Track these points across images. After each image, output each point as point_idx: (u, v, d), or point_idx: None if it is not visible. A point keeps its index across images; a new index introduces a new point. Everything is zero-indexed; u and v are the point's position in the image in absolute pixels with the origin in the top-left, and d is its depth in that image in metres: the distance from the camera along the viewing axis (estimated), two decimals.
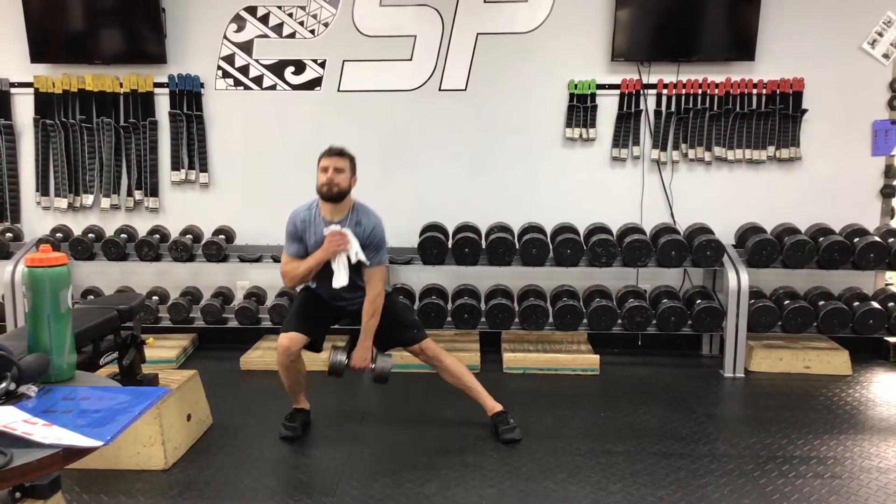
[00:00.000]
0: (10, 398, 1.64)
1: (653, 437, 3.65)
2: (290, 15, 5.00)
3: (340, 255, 3.45)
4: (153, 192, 5.16)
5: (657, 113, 5.00)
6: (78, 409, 1.62)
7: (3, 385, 1.64)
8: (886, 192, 5.00)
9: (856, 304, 4.71)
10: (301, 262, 3.53)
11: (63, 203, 5.14)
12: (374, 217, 3.58)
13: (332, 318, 3.78)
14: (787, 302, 4.73)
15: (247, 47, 5.05)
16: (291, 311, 3.77)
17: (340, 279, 3.48)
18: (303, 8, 4.99)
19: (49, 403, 1.65)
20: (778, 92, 4.93)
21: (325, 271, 3.52)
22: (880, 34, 4.87)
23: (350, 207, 3.55)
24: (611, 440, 3.61)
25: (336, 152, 3.50)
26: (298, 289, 3.83)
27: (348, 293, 3.60)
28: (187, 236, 4.97)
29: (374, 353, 3.61)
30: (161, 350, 4.74)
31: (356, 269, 3.52)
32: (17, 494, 2.33)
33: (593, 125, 5.02)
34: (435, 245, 4.68)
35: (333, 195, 3.45)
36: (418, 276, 5.08)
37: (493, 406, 3.71)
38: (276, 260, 4.90)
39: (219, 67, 5.07)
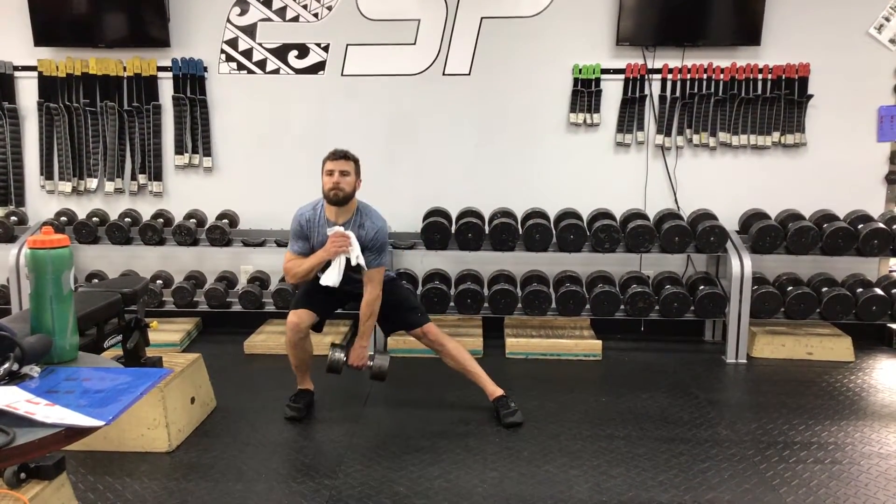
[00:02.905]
0: (13, 379, 1.65)
1: (654, 422, 3.66)
2: None
3: (341, 256, 3.50)
4: (157, 176, 5.16)
5: (662, 98, 4.98)
6: (80, 390, 1.63)
7: (6, 366, 1.64)
8: (891, 179, 4.97)
9: (859, 290, 4.70)
10: (304, 259, 3.58)
11: (67, 187, 5.15)
12: (378, 220, 3.61)
13: (338, 301, 3.82)
14: (790, 288, 4.72)
15: (250, 31, 5.04)
16: (300, 291, 3.82)
17: (331, 278, 3.52)
18: None
19: (51, 384, 1.66)
20: (783, 77, 4.90)
21: (328, 268, 3.57)
22: (887, 19, 4.83)
23: (354, 210, 3.59)
24: (612, 425, 3.62)
25: (341, 155, 3.54)
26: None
27: (356, 279, 3.61)
28: (191, 220, 4.98)
29: (371, 352, 3.71)
30: (165, 334, 4.76)
31: (357, 270, 3.57)
32: (23, 475, 2.36)
33: (597, 110, 5.00)
34: (438, 230, 4.68)
35: (339, 199, 3.50)
36: (421, 262, 5.09)
37: (495, 391, 3.73)
38: (280, 244, 4.91)
39: (222, 51, 5.06)
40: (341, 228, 3.50)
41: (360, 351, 3.63)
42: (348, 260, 3.50)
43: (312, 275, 3.60)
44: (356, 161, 3.58)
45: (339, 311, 3.93)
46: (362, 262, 3.50)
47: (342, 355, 3.64)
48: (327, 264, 3.54)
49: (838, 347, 4.66)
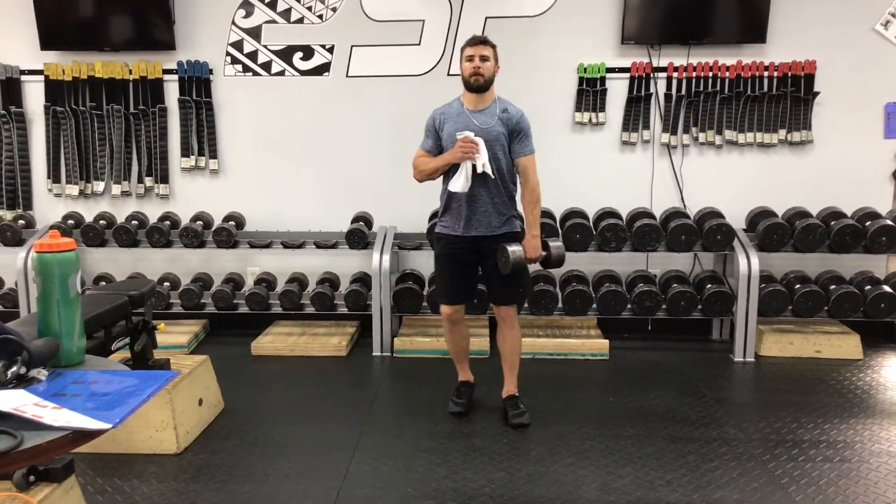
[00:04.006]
0: (21, 382, 1.65)
1: (662, 421, 3.65)
2: (298, 0, 4.99)
3: (467, 162, 3.43)
4: (163, 178, 5.18)
5: (667, 96, 4.97)
6: (87, 393, 1.63)
7: (14, 369, 1.64)
8: None
9: (867, 287, 4.68)
10: (431, 158, 3.57)
11: (74, 190, 5.17)
12: (518, 107, 3.57)
13: (475, 263, 3.68)
14: (797, 286, 4.71)
15: (255, 33, 5.05)
16: (438, 274, 3.81)
17: (459, 184, 3.45)
18: None
19: (59, 387, 1.66)
20: (790, 74, 4.88)
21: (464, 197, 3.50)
22: (894, 15, 4.81)
23: (493, 97, 3.55)
24: (620, 424, 3.61)
25: (480, 41, 3.51)
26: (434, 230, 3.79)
27: (483, 212, 3.51)
28: (198, 223, 4.99)
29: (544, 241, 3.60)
30: (173, 336, 4.77)
31: (494, 187, 3.48)
32: (31, 478, 2.36)
33: (603, 109, 4.99)
34: None
35: (481, 84, 3.47)
36: (428, 262, 5.06)
37: (511, 389, 3.75)
38: (287, 246, 4.92)
39: (227, 54, 5.07)
40: (471, 133, 3.43)
41: (533, 242, 3.51)
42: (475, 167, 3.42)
43: (438, 175, 3.58)
44: (494, 46, 3.53)
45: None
46: (489, 169, 3.43)
47: (521, 252, 3.47)
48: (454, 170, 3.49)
49: (846, 345, 4.64)
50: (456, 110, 3.55)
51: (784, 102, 4.91)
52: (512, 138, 3.50)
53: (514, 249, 3.45)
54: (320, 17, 5.01)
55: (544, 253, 3.57)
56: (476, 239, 3.56)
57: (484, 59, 3.44)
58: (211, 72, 5.09)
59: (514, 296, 3.70)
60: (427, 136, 3.62)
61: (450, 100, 3.64)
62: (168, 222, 5.02)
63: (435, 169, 3.54)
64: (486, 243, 3.55)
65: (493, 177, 3.45)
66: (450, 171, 3.53)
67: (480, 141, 3.41)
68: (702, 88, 4.94)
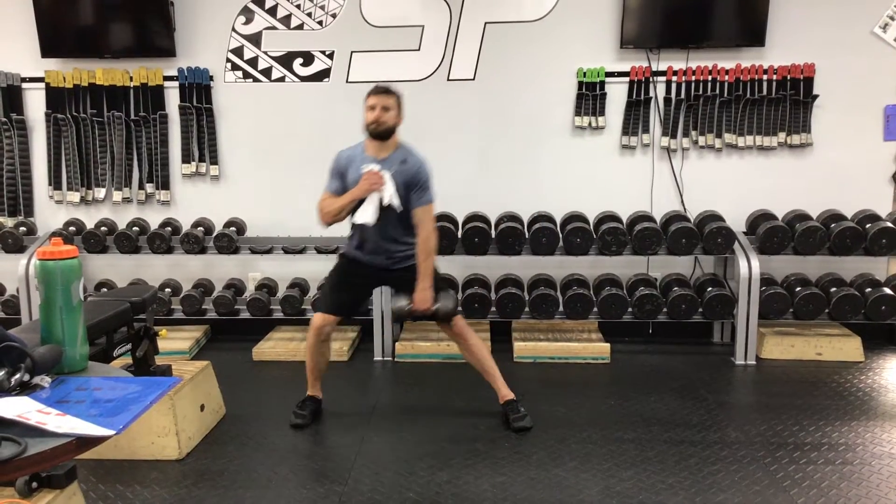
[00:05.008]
0: (25, 389, 1.66)
1: (663, 424, 3.65)
2: (298, 6, 5.00)
3: (373, 195, 3.45)
4: (164, 184, 5.19)
5: (667, 100, 4.98)
6: (91, 399, 1.64)
7: (18, 376, 1.65)
8: None
9: (868, 290, 4.69)
10: (337, 198, 3.55)
11: (75, 197, 5.17)
12: (419, 156, 3.57)
13: (369, 288, 3.75)
14: (798, 289, 4.71)
15: (255, 39, 5.06)
16: (327, 285, 3.81)
17: (365, 215, 3.46)
18: None
19: (62, 394, 1.67)
20: (789, 78, 4.89)
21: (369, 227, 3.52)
22: (892, 18, 4.82)
23: (395, 145, 3.56)
24: (621, 428, 3.61)
25: (382, 90, 3.52)
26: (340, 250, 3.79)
27: (389, 244, 3.56)
28: (199, 228, 5.00)
29: (435, 293, 3.57)
30: (174, 342, 4.78)
31: (400, 219, 3.51)
32: (34, 485, 2.37)
33: (602, 113, 5.01)
34: (444, 235, 4.66)
35: (381, 132, 3.48)
36: None
37: (506, 394, 3.73)
38: (287, 251, 4.93)
39: (228, 60, 5.09)
40: (376, 166, 3.45)
41: (423, 294, 3.49)
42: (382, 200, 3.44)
43: (345, 215, 3.55)
44: (399, 96, 3.55)
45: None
46: (395, 202, 3.45)
47: (405, 303, 3.51)
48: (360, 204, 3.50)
49: (847, 348, 4.65)
50: (359, 156, 3.56)
51: (783, 105, 4.92)
52: (408, 189, 3.49)
53: (395, 302, 3.54)
54: (320, 23, 5.03)
55: (436, 306, 3.52)
56: (381, 270, 3.62)
57: (385, 109, 3.46)
58: (211, 78, 5.10)
59: (450, 309, 3.64)
60: (332, 177, 3.61)
61: (357, 143, 3.63)
62: (169, 228, 5.03)
63: (341, 208, 3.51)
64: (393, 275, 3.61)
65: (399, 209, 3.48)
66: (355, 209, 3.53)
67: (387, 174, 3.45)
68: (701, 92, 4.95)
